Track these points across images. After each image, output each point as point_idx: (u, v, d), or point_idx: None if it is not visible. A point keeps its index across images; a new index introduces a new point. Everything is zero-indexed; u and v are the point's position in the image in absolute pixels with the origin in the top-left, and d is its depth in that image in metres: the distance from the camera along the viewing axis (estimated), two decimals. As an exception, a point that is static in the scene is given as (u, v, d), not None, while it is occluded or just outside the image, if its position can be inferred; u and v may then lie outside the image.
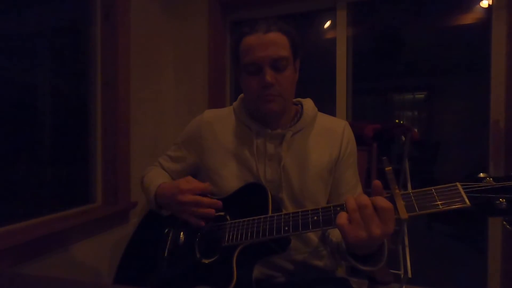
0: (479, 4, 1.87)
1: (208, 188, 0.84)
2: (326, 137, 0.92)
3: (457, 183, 0.59)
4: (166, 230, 0.91)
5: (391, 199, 0.61)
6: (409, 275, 1.62)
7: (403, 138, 1.67)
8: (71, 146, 1.65)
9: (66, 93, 1.64)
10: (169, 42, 2.09)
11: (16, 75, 1.40)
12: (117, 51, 1.66)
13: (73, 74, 1.67)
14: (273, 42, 0.82)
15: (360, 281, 1.69)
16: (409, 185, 1.72)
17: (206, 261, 0.80)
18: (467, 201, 0.56)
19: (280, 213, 0.74)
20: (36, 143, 1.51)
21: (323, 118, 0.96)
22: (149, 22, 1.91)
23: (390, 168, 0.61)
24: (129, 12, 1.72)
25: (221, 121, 0.98)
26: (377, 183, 0.64)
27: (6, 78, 1.34)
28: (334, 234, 0.85)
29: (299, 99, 0.98)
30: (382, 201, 0.60)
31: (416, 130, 1.69)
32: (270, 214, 0.76)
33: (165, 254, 0.87)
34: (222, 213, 0.85)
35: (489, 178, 0.58)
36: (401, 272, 1.65)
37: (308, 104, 0.96)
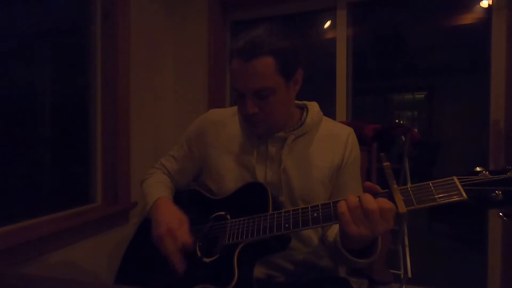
0: (479, 4, 1.87)
1: (189, 242, 0.80)
2: (330, 142, 0.91)
3: (454, 177, 0.60)
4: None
5: (390, 194, 0.62)
6: (409, 275, 1.62)
7: (403, 138, 1.67)
8: (71, 146, 1.65)
9: (66, 93, 1.64)
10: (169, 42, 2.09)
11: (16, 75, 1.40)
12: (117, 51, 1.66)
13: (73, 74, 1.67)
14: (255, 73, 0.76)
15: (360, 281, 1.69)
16: (409, 185, 1.72)
17: (207, 260, 0.80)
18: (464, 194, 0.58)
19: (280, 211, 0.74)
20: (36, 143, 1.51)
21: (328, 124, 0.95)
22: (149, 22, 1.91)
23: (388, 163, 0.62)
24: (129, 12, 1.72)
25: (225, 121, 0.98)
26: (367, 184, 0.65)
27: (6, 78, 1.34)
28: (331, 234, 0.85)
29: (305, 102, 0.97)
30: (383, 203, 0.61)
31: (416, 130, 1.69)
32: (270, 212, 0.76)
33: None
34: (222, 213, 0.85)
35: (485, 171, 0.59)
36: (401, 272, 1.65)
37: (314, 108, 0.94)
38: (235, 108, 0.99)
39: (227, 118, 0.98)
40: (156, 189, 0.95)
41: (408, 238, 1.69)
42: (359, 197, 0.63)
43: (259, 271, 0.87)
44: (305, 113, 0.94)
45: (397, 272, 1.65)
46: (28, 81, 1.46)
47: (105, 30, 1.67)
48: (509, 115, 1.63)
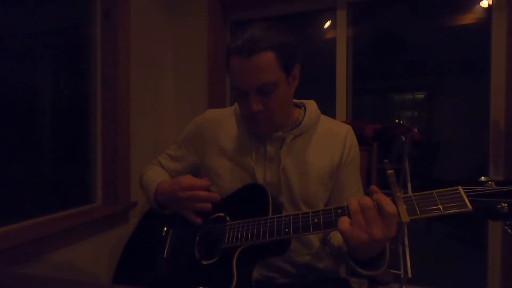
0: (479, 4, 1.87)
1: (206, 183, 0.85)
2: (329, 141, 0.90)
3: (459, 187, 0.58)
4: (165, 230, 0.91)
5: (393, 202, 0.61)
6: (409, 275, 1.62)
7: (403, 138, 1.67)
8: (71, 146, 1.65)
9: (66, 93, 1.64)
10: (169, 42, 2.09)
11: (16, 75, 1.40)
12: (117, 51, 1.65)
13: (73, 74, 1.67)
14: (257, 68, 0.76)
15: (360, 281, 1.69)
16: (409, 185, 1.72)
17: (206, 263, 0.79)
18: (469, 205, 0.56)
19: (281, 215, 0.74)
20: (36, 143, 1.50)
21: (326, 122, 0.95)
22: (149, 22, 1.91)
23: (392, 171, 0.61)
24: (129, 12, 1.72)
25: (223, 121, 0.97)
26: (373, 188, 0.64)
27: (6, 78, 1.34)
28: (336, 238, 0.84)
29: (303, 100, 0.97)
30: (388, 206, 0.59)
31: (416, 130, 1.69)
32: (270, 215, 0.75)
33: (165, 255, 0.87)
34: (222, 214, 0.85)
35: (491, 182, 0.57)
36: (401, 272, 1.65)
37: (311, 107, 0.94)
38: (233, 108, 0.99)
39: (225, 118, 0.98)
40: (156, 178, 0.96)
41: (408, 238, 1.69)
42: (359, 201, 0.63)
43: (259, 273, 0.86)
44: (303, 112, 0.93)
45: (397, 272, 1.65)
46: (28, 81, 1.46)
47: (105, 30, 1.67)
48: (509, 115, 1.63)
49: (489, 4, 1.75)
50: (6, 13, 1.34)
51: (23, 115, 1.43)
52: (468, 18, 2.03)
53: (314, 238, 0.91)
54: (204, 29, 2.09)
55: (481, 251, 1.75)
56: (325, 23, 2.16)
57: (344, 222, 0.62)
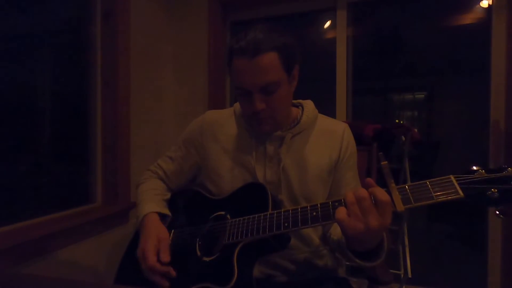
0: (479, 4, 1.88)
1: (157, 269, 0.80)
2: (326, 139, 0.92)
3: (451, 176, 0.61)
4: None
5: (388, 193, 0.62)
6: (409, 275, 1.62)
7: (403, 138, 1.67)
8: (71, 146, 1.65)
9: (66, 93, 1.64)
10: (169, 42, 2.10)
11: (16, 75, 1.40)
12: (117, 51, 1.66)
13: (73, 74, 1.67)
14: (261, 68, 0.78)
15: (360, 281, 1.69)
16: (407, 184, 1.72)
17: (207, 259, 0.80)
18: (460, 192, 0.58)
19: (280, 210, 0.75)
20: (36, 143, 1.51)
21: (323, 120, 0.97)
22: (149, 22, 1.91)
23: (386, 162, 0.63)
24: (129, 12, 1.72)
25: (222, 122, 0.98)
26: (368, 180, 0.65)
27: (6, 78, 1.34)
28: (336, 233, 0.85)
29: (300, 100, 0.99)
30: (381, 194, 0.61)
31: (416, 130, 1.69)
32: (270, 211, 0.76)
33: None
34: (222, 213, 0.85)
35: (482, 170, 0.60)
36: (401, 272, 1.65)
37: (309, 106, 0.96)
38: (232, 109, 1.00)
39: (225, 119, 0.99)
40: (147, 200, 0.95)
41: (408, 238, 1.69)
42: (354, 192, 0.64)
43: (259, 271, 0.87)
44: (300, 111, 0.95)
45: (397, 272, 1.65)
46: (28, 81, 1.46)
47: (105, 30, 1.68)
48: (509, 115, 1.63)
49: (489, 4, 1.75)
50: (6, 13, 1.34)
51: (23, 115, 1.43)
52: (468, 18, 2.03)
53: (313, 235, 0.92)
54: (204, 29, 2.09)
55: (481, 251, 1.75)
56: (325, 23, 2.17)
57: (341, 212, 0.64)
